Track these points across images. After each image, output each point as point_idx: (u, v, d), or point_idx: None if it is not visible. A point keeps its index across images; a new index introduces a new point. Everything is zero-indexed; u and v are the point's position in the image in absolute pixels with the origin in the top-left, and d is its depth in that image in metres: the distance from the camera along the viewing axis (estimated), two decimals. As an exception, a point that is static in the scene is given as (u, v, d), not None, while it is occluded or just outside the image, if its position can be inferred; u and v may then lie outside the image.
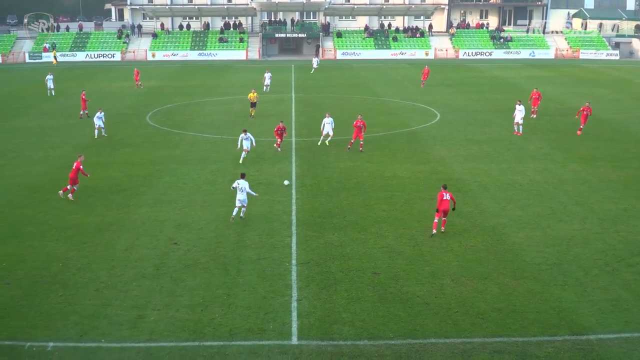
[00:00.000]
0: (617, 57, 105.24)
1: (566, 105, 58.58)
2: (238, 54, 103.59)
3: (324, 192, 33.20)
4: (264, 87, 66.90)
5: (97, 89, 68.89)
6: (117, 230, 28.06)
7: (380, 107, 57.58)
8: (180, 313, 20.88)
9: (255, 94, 53.68)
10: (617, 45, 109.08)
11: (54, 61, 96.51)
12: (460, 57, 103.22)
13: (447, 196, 27.32)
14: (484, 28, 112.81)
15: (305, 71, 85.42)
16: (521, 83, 73.83)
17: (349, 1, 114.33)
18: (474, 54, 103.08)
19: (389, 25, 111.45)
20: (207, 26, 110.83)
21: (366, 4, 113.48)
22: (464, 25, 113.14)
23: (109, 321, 20.36)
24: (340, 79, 77.56)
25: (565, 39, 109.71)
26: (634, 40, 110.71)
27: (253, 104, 53.31)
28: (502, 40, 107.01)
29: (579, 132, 46.48)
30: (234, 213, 29.09)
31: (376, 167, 37.93)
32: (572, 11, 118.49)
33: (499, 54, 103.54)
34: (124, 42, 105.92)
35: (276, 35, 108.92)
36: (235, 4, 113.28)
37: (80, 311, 20.96)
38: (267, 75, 67.93)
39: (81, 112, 52.97)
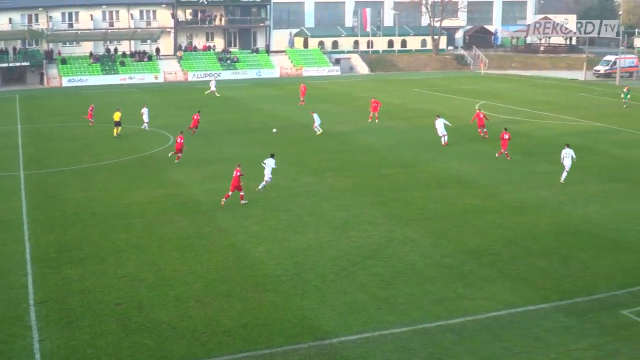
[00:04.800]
0: (339, 73, 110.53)
1: (294, 122, 60.76)
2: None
3: (59, 226, 32.04)
4: None
5: None
6: None
7: (112, 134, 56.49)
8: None
9: (119, 113, 54.98)
10: (337, 61, 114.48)
11: None
12: (190, 79, 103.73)
13: (235, 174, 33.53)
14: (211, 50, 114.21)
15: (31, 100, 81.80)
16: (251, 102, 75.59)
17: (72, 26, 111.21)
18: (202, 76, 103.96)
19: (115, 49, 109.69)
20: None
21: (90, 29, 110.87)
22: (191, 48, 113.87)
23: None
24: (67, 107, 74.98)
25: (289, 57, 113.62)
26: (353, 56, 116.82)
27: (117, 123, 54.23)
28: (229, 61, 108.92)
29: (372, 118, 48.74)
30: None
31: (112, 195, 37.26)
32: (294, 30, 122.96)
33: (227, 74, 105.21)
34: None
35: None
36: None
37: None
38: None
39: None
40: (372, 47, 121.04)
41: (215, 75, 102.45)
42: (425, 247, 28.75)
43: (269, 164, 36.70)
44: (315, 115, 54.55)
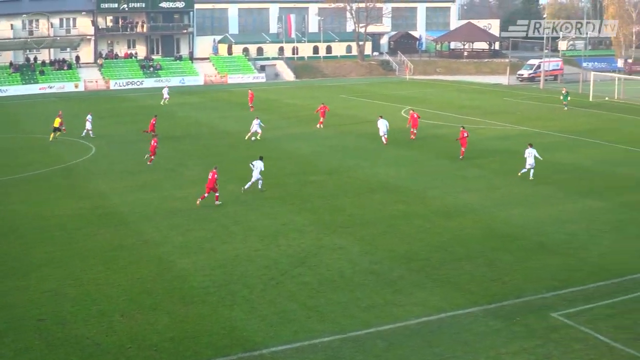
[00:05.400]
0: (264, 80, 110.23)
1: (219, 130, 60.27)
2: None
3: (-22, 241, 31.03)
4: None
5: None
6: None
7: (33, 144, 55.24)
8: None
9: (59, 119, 56.03)
10: (262, 68, 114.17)
11: None
12: (112, 87, 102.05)
13: (211, 175, 35.06)
14: (133, 57, 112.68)
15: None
16: (174, 110, 74.66)
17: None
18: (125, 84, 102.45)
19: (35, 58, 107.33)
20: None
21: (10, 38, 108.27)
22: (112, 56, 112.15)
23: None
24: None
25: (213, 64, 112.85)
26: (278, 63, 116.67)
27: (56, 129, 55.36)
28: (152, 69, 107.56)
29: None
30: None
31: (32, 208, 36.16)
32: (218, 37, 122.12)
33: (150, 82, 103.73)
34: None
35: None
36: None
37: None
38: None
39: None
40: (297, 54, 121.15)
41: (138, 83, 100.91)
42: (354, 254, 28.64)
43: (258, 165, 38.03)
44: (257, 121, 54.67)
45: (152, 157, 45.77)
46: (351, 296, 24.34)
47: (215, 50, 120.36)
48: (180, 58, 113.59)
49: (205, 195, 35.52)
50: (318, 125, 60.10)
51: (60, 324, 22.36)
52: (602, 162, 45.11)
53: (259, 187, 38.39)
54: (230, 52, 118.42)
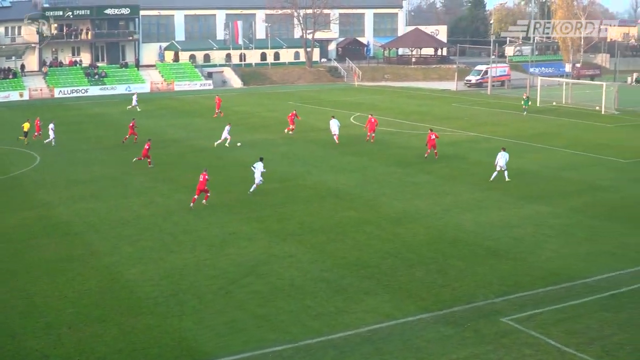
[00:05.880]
0: (211, 87, 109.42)
1: (166, 138, 59.59)
2: None
3: None
4: None
5: None
6: None
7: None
8: None
9: (28, 124, 57.26)
10: (210, 75, 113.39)
11: None
12: (57, 95, 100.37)
13: (202, 178, 36.03)
14: (78, 65, 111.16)
15: None
16: (122, 118, 73.75)
17: None
18: (70, 92, 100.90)
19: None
20: None
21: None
22: (57, 64, 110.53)
23: None
24: None
25: (159, 72, 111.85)
26: (226, 69, 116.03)
27: (26, 133, 56.52)
28: (97, 76, 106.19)
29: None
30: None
31: (-24, 219, 35.46)
32: (164, 44, 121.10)
33: (95, 90, 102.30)
34: None
35: None
36: None
37: None
38: None
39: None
40: (244, 60, 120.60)
41: (83, 91, 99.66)
42: (305, 262, 28.52)
43: (259, 167, 39.14)
44: (228, 128, 54.73)
45: (143, 158, 46.79)
46: (302, 304, 24.21)
47: (162, 57, 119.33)
48: (125, 65, 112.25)
49: (196, 197, 36.44)
50: (286, 131, 60.60)
51: (10, 336, 22.02)
52: (549, 166, 45.65)
53: (250, 190, 39.27)
54: (176, 59, 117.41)
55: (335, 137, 54.52)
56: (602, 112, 73.69)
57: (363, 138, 55.22)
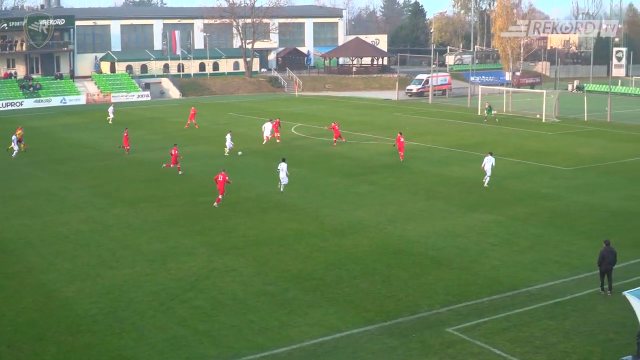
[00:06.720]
0: (149, 98, 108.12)
1: (103, 151, 58.52)
2: None
3: None
4: None
5: None
6: None
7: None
8: None
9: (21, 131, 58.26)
10: (147, 86, 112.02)
11: None
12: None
13: (220, 178, 37.91)
14: (12, 77, 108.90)
15: None
16: (57, 131, 72.39)
17: None
18: (4, 105, 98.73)
19: None
20: None
21: None
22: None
23: None
24: None
25: (95, 83, 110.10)
26: (164, 80, 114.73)
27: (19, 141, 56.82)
28: (31, 88, 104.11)
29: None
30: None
31: None
32: (100, 54, 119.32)
33: (29, 103, 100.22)
34: None
35: None
36: None
37: None
38: None
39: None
40: (183, 71, 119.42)
41: (18, 104, 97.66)
42: (247, 275, 28.10)
43: (283, 167, 41.36)
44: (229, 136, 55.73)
45: (174, 165, 47.43)
46: (245, 319, 23.81)
47: (97, 68, 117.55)
48: (60, 77, 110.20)
49: (220, 197, 38.37)
50: (267, 140, 60.61)
51: (-54, 358, 21.25)
52: (492, 175, 45.86)
53: (280, 188, 41.59)
54: (113, 69, 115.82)
55: (265, 139, 59.21)
56: (543, 120, 74.72)
57: (305, 148, 54.66)
